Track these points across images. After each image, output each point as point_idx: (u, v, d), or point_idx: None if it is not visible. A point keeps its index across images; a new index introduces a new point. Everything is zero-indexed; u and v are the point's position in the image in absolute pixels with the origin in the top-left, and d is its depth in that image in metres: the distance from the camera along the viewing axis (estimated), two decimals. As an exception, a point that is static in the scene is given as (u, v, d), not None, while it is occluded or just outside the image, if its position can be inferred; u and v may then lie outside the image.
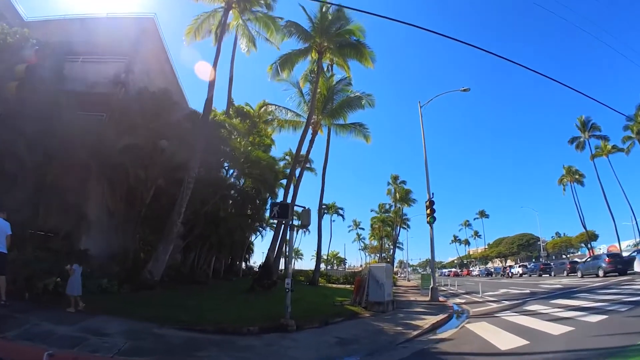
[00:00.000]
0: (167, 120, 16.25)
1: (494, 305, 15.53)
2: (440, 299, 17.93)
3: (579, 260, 37.71)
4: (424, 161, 20.63)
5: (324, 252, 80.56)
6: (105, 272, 14.04)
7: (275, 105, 27.48)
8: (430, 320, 10.95)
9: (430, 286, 18.22)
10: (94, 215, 16.08)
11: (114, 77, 17.97)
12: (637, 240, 63.09)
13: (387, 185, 66.89)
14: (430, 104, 22.63)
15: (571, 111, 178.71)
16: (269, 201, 28.37)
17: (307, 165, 52.13)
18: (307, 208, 10.31)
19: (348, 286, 27.51)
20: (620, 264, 25.48)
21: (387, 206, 70.65)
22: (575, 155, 69.41)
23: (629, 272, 25.76)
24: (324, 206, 68.30)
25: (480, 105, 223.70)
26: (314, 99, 24.12)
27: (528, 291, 21.08)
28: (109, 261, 15.54)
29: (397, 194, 63.20)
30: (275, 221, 22.95)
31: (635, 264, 25.44)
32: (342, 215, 76.19)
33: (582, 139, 56.74)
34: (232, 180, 23.22)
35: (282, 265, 62.42)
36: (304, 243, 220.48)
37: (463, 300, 18.65)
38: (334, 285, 32.13)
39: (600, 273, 25.83)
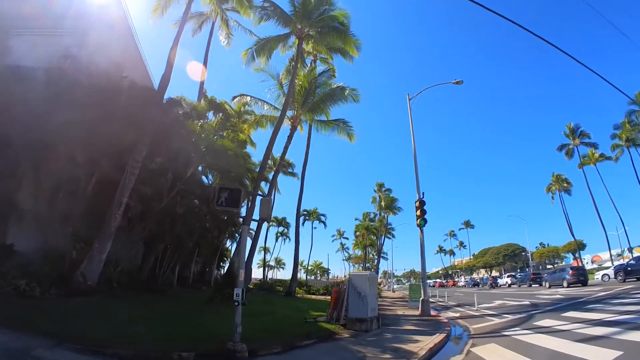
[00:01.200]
0: (117, 97, 13.72)
1: (496, 320, 13.25)
2: (432, 312, 15.59)
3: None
4: (413, 158, 18.43)
5: (306, 262, 78.03)
6: (27, 272, 11.40)
7: (251, 96, 24.87)
8: (426, 342, 8.55)
9: (421, 298, 15.81)
10: (28, 205, 13.47)
11: (64, 51, 15.57)
12: (622, 249, 62.21)
13: (372, 193, 64.96)
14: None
15: (561, 118, 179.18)
16: (245, 203, 25.11)
17: (290, 170, 49.81)
18: (266, 197, 7.95)
19: (329, 297, 24.92)
20: (582, 276, 28.46)
21: (372, 215, 68.35)
22: (564, 164, 68.37)
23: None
24: (304, 212, 65.93)
25: (470, 110, 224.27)
26: (292, 86, 21.75)
27: (527, 302, 18.95)
28: (43, 260, 12.89)
29: (382, 202, 61.00)
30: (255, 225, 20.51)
31: None
32: (323, 222, 72.00)
33: (570, 146, 55.63)
34: (199, 174, 20.48)
35: (264, 274, 59.68)
36: (285, 252, 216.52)
37: (457, 314, 16.36)
38: (314, 297, 29.52)
39: (565, 284, 28.71)
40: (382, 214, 62.80)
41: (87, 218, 14.21)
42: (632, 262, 27.17)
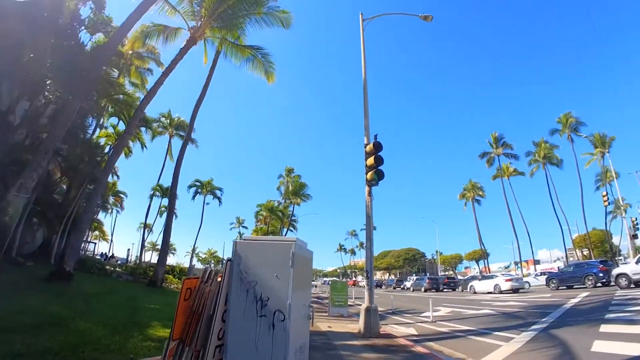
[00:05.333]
0: None
1: (501, 343, 7.31)
2: (381, 328, 9.20)
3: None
4: (362, 91, 11.91)
5: (198, 248, 66.88)
6: None
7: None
8: None
9: (364, 306, 9.19)
10: None
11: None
12: (507, 264, 63.66)
13: (278, 181, 56.99)
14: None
15: (487, 126, 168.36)
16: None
17: (183, 134, 40.26)
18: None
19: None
20: (435, 284, 36.79)
21: (276, 203, 59.76)
22: (483, 172, 66.88)
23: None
24: (197, 182, 53.78)
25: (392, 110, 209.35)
26: None
27: (490, 311, 13.78)
28: None
29: (290, 187, 53.67)
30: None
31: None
32: (219, 198, 57.92)
33: (492, 155, 54.17)
34: None
35: (141, 257, 48.08)
36: (180, 236, 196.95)
37: (409, 329, 10.31)
38: (193, 289, 21.61)
39: (422, 289, 36.76)
40: (288, 200, 55.46)
41: None
42: (568, 268, 25.65)
